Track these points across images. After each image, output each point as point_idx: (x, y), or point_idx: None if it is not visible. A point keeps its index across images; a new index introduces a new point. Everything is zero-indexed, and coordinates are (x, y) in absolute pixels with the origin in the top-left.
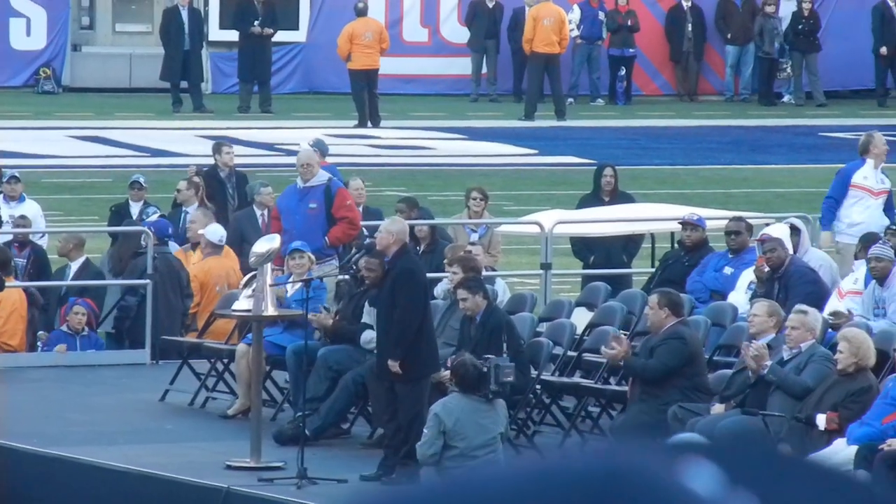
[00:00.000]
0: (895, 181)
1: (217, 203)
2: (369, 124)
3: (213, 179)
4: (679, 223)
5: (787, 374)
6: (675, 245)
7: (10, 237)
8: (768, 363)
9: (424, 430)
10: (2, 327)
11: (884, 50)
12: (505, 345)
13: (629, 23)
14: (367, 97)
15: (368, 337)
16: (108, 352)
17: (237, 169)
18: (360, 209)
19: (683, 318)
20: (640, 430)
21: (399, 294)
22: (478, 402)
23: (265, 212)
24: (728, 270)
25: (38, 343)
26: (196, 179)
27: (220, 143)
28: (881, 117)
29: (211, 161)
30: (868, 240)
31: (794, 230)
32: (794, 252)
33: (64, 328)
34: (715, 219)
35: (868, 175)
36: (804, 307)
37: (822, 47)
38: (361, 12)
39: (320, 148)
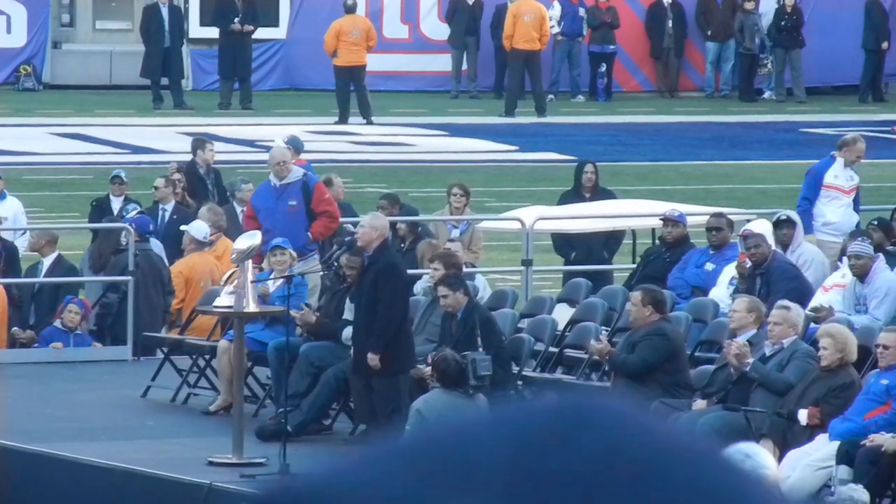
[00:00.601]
0: (878, 177)
1: (198, 199)
2: (363, 120)
3: (192, 176)
4: (660, 219)
5: (770, 371)
6: (656, 241)
7: None
8: (750, 360)
9: (406, 427)
10: None
11: (885, 45)
12: (483, 340)
13: (609, 19)
14: (352, 94)
15: (349, 333)
16: (90, 348)
17: (214, 166)
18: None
19: (666, 314)
20: None
21: (382, 289)
22: (459, 398)
23: (245, 208)
24: (709, 266)
25: (17, 340)
26: (176, 176)
27: (202, 140)
28: (861, 113)
29: (190, 157)
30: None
31: (789, 223)
32: (787, 245)
33: (58, 324)
34: (696, 215)
35: (839, 174)
36: (786, 303)
37: (806, 43)
38: (350, 9)
39: (295, 145)
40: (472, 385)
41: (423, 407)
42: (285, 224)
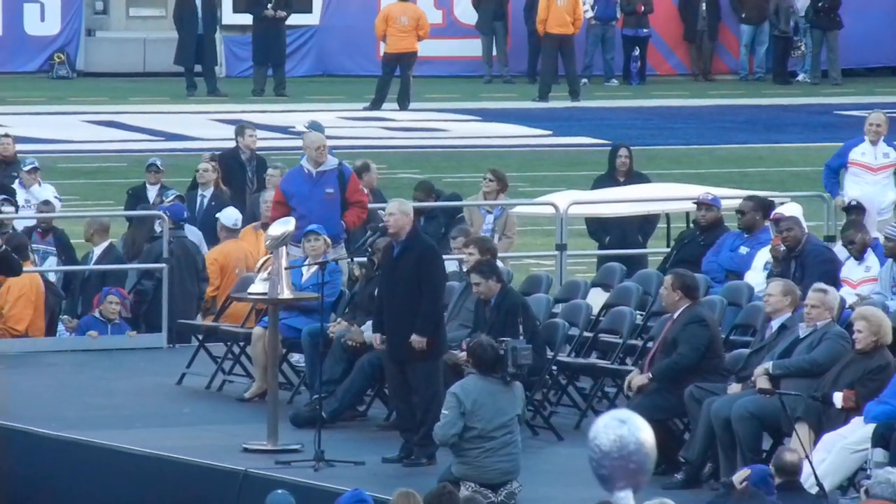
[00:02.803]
0: None
1: (234, 186)
2: (398, 107)
3: (233, 161)
4: (694, 203)
5: (791, 362)
6: (691, 225)
7: (31, 223)
8: (768, 365)
9: (444, 412)
10: (8, 312)
11: None
12: (521, 326)
13: (643, 3)
14: (395, 81)
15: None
16: (125, 336)
17: (258, 153)
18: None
19: (697, 299)
20: (656, 411)
21: (425, 272)
22: (495, 384)
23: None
24: (743, 250)
25: (63, 329)
26: (211, 164)
27: (243, 126)
28: None
29: (228, 144)
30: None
31: (859, 209)
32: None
33: (97, 314)
34: (730, 198)
35: (866, 151)
36: (823, 286)
37: (843, 24)
38: None
39: (317, 130)
40: (511, 373)
41: (460, 392)
42: (321, 211)
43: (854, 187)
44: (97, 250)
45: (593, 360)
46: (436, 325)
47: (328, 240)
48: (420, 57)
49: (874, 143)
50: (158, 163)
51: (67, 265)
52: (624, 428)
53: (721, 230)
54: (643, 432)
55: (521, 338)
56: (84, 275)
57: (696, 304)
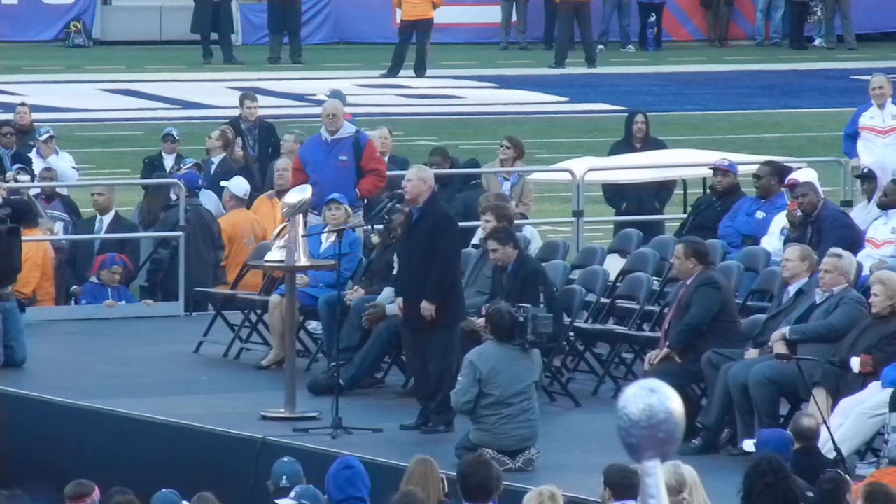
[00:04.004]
0: None
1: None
2: (414, 74)
3: (237, 130)
4: (710, 169)
5: (807, 327)
6: (707, 191)
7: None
8: (785, 330)
9: (459, 378)
10: None
11: None
12: (534, 292)
13: None
14: (410, 48)
15: (387, 295)
16: (142, 304)
17: (265, 120)
18: (386, 159)
19: (711, 264)
20: (673, 377)
21: (438, 240)
22: (513, 350)
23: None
24: (760, 215)
25: (73, 297)
26: (228, 132)
27: (244, 95)
28: None
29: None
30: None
31: (870, 177)
32: (871, 199)
33: (94, 279)
34: (746, 164)
35: (874, 115)
36: (838, 251)
37: None
38: None
39: (339, 98)
40: (530, 341)
41: (476, 359)
42: (334, 178)
43: (866, 152)
44: (105, 219)
45: (610, 326)
46: (447, 292)
47: (349, 209)
48: (437, 24)
49: (881, 106)
50: (175, 132)
51: (77, 229)
52: (654, 397)
53: (737, 196)
54: (673, 402)
55: (542, 305)
56: (94, 245)
57: (709, 268)
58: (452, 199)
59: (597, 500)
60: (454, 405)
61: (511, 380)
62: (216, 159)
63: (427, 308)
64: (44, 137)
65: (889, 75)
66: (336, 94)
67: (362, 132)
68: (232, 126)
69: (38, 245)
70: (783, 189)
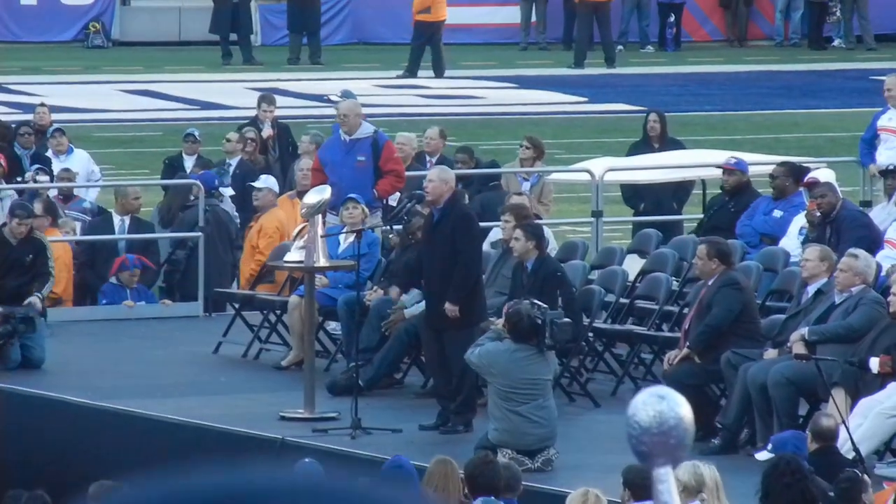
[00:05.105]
0: None
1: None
2: (433, 74)
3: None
4: (719, 168)
5: (826, 328)
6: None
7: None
8: (804, 331)
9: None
10: None
11: None
12: (553, 293)
13: None
14: (427, 49)
15: (410, 300)
16: (161, 305)
17: (280, 121)
18: (434, 160)
19: (733, 265)
20: (693, 377)
21: (461, 239)
22: (528, 351)
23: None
24: (777, 213)
25: (100, 297)
26: (250, 135)
27: (262, 98)
28: None
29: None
30: None
31: (894, 173)
32: (889, 198)
33: (113, 280)
34: (763, 164)
35: (893, 117)
36: (855, 251)
37: None
38: None
39: (349, 98)
40: (547, 345)
41: (493, 347)
42: (352, 178)
43: (885, 153)
44: (126, 220)
45: (630, 326)
46: (469, 293)
47: (366, 209)
48: (456, 24)
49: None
50: (196, 133)
51: (96, 230)
52: (663, 404)
53: (750, 194)
54: (682, 408)
55: (560, 310)
56: (115, 245)
57: (731, 269)
58: (471, 200)
59: (616, 501)
60: (467, 356)
61: (520, 371)
62: (234, 161)
63: (451, 309)
64: (51, 132)
65: None
66: (347, 95)
67: (381, 132)
68: (252, 127)
69: (63, 245)
70: (801, 189)
